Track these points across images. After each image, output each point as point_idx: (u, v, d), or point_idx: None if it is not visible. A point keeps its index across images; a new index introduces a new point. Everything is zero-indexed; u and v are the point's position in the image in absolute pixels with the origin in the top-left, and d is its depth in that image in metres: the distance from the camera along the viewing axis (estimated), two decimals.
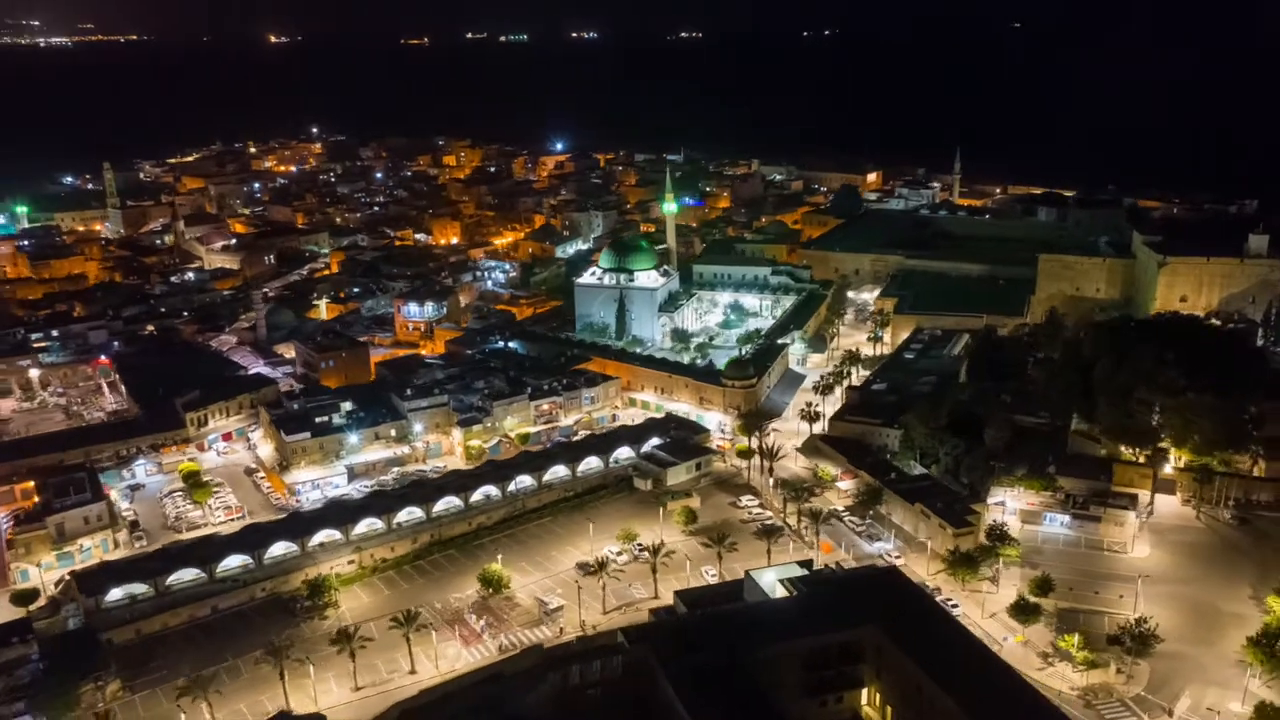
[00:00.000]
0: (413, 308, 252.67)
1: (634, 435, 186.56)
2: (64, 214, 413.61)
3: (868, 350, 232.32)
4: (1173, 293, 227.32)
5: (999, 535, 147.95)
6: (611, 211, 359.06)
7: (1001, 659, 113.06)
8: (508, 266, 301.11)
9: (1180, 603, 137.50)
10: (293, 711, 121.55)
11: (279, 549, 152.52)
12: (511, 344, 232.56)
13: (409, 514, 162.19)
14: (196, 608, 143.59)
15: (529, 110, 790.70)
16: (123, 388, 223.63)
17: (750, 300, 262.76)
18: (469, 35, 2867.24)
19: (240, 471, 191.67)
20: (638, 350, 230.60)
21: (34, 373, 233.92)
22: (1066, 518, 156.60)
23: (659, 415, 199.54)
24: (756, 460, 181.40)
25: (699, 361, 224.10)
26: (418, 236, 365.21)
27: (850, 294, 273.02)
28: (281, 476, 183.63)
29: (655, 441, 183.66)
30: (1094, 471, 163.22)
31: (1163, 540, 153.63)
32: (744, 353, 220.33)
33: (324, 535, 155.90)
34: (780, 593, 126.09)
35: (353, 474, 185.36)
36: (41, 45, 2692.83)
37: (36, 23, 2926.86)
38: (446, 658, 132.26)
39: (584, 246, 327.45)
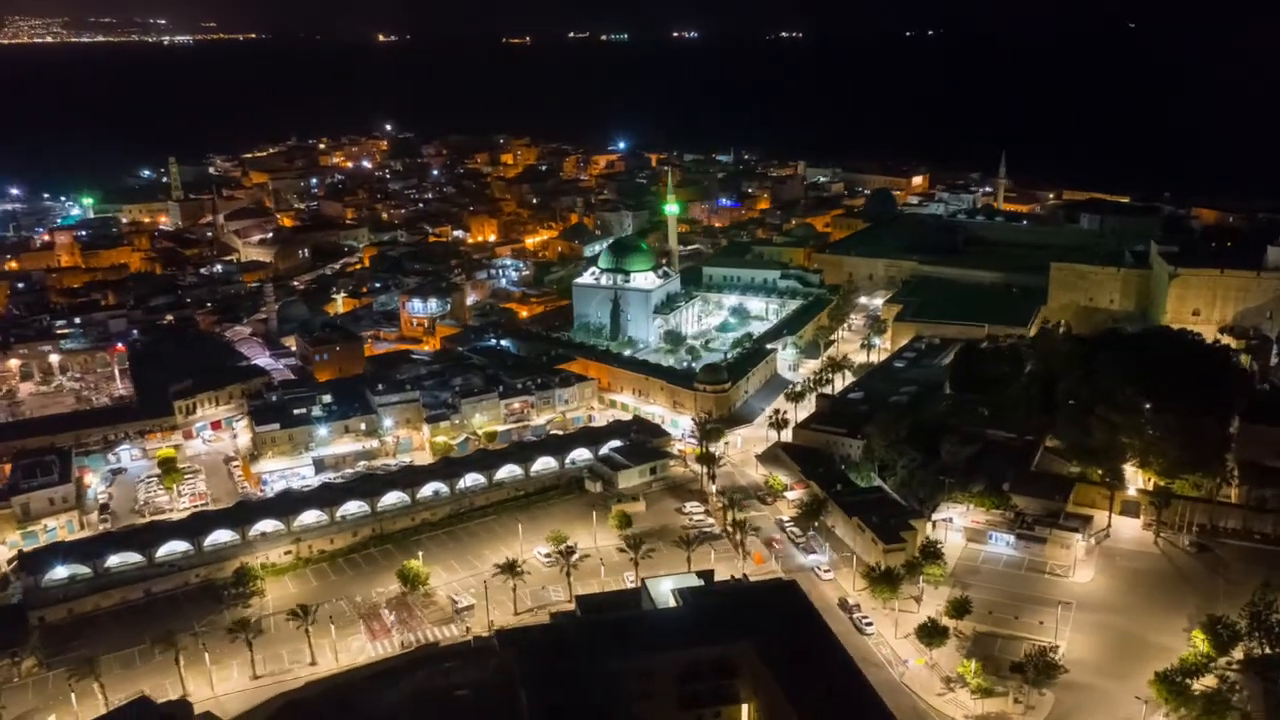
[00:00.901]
0: (417, 304, 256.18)
1: (594, 437, 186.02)
2: (132, 206, 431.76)
3: (861, 357, 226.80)
4: (1184, 305, 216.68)
5: (932, 553, 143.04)
6: (644, 211, 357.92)
7: (871, 686, 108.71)
8: (521, 265, 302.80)
9: (1108, 632, 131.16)
10: (187, 696, 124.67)
11: (221, 537, 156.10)
12: (503, 342, 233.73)
13: (356, 507, 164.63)
14: (129, 590, 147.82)
15: (610, 109, 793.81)
16: (129, 374, 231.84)
17: (756, 304, 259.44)
18: (571, 35, 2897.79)
19: (220, 460, 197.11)
20: (626, 352, 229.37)
21: (54, 358, 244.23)
22: (1011, 537, 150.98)
23: (626, 418, 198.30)
24: (720, 465, 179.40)
25: (687, 365, 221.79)
26: (456, 233, 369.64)
27: (863, 299, 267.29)
28: (250, 466, 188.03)
29: (615, 444, 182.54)
30: (1051, 490, 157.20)
31: (1111, 565, 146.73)
32: (728, 357, 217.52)
33: (267, 525, 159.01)
34: (672, 603, 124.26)
35: (322, 466, 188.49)
36: (166, 43, 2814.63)
37: (163, 21, 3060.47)
38: (350, 651, 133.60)
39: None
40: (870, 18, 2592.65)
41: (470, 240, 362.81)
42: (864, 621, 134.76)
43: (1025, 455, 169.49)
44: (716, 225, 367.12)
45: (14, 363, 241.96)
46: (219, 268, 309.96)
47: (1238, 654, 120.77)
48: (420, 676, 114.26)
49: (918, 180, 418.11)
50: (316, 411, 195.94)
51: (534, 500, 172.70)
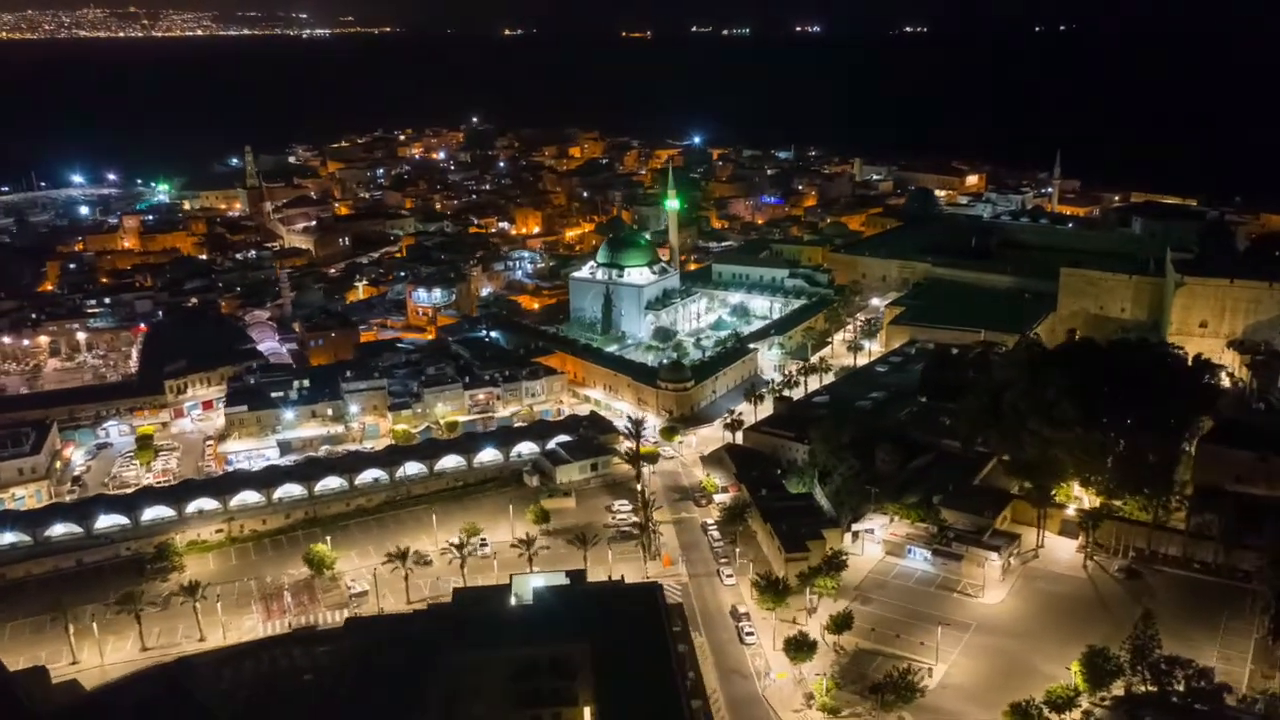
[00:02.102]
0: (421, 293, 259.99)
1: (543, 431, 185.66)
2: (209, 192, 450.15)
3: (849, 360, 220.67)
4: (1190, 317, 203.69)
5: (836, 564, 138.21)
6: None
7: (681, 697, 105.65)
8: (537, 257, 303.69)
9: (999, 657, 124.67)
10: (78, 662, 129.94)
11: (161, 512, 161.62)
12: (493, 334, 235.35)
13: (297, 490, 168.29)
14: (62, 559, 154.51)
15: (702, 104, 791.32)
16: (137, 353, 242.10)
17: (761, 302, 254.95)
18: (694, 29, 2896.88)
19: (201, 439, 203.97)
20: (612, 347, 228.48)
21: (81, 335, 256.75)
22: (928, 553, 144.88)
23: (582, 413, 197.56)
24: (655, 465, 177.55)
25: (669, 361, 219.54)
26: (502, 225, 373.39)
27: (875, 301, 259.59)
28: (218, 446, 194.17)
29: (563, 438, 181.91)
30: (982, 506, 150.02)
31: (1029, 587, 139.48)
32: (706, 355, 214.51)
33: (206, 503, 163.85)
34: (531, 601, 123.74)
35: (288, 448, 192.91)
36: (304, 36, 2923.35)
37: (304, 15, 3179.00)
38: (241, 629, 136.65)
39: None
40: (1002, 13, 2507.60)
41: (514, 232, 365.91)
42: (745, 631, 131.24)
43: (976, 468, 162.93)
44: (759, 222, 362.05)
45: (43, 339, 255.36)
46: (253, 253, 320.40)
47: (1118, 689, 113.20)
48: (267, 658, 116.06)
49: (972, 180, 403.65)
50: (292, 395, 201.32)
51: (471, 491, 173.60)
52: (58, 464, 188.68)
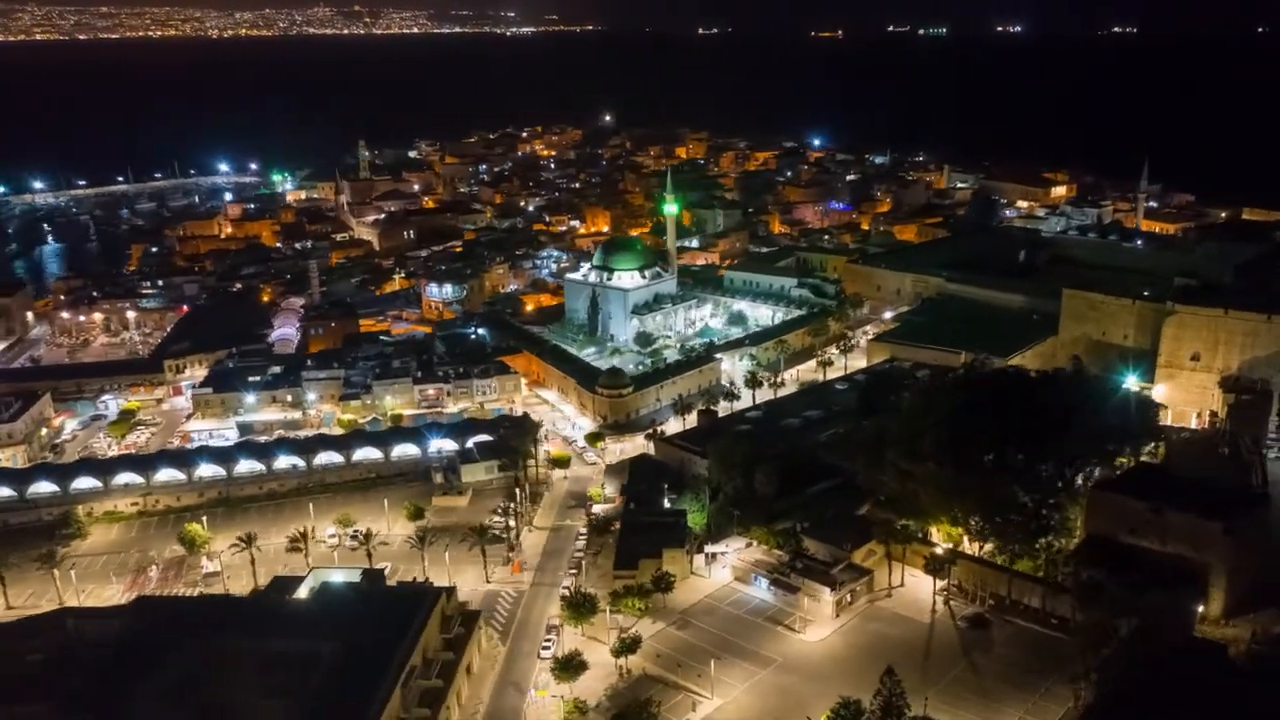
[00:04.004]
0: (433, 288, 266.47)
1: (465, 428, 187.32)
2: (325, 183, 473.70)
3: (817, 375, 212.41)
4: (1181, 348, 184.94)
5: (662, 585, 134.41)
6: (736, 211, 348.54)
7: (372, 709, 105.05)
8: (564, 255, 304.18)
9: (781, 698, 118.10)
10: None
11: (88, 483, 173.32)
12: (480, 330, 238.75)
13: (219, 471, 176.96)
14: None
15: (852, 106, 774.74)
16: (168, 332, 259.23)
17: (763, 311, 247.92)
18: (890, 29, 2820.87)
19: (183, 417, 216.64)
20: (589, 350, 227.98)
21: (130, 314, 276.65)
22: (767, 581, 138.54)
23: (542, 413, 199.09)
24: (567, 469, 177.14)
25: (645, 365, 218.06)
26: (573, 223, 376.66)
27: (889, 314, 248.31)
28: (184, 424, 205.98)
29: (483, 438, 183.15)
30: (844, 538, 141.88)
31: (862, 627, 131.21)
32: (666, 361, 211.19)
33: (129, 477, 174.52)
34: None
35: (247, 430, 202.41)
36: (509, 35, 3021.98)
37: (512, 14, 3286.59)
38: (100, 598, 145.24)
39: (691, 243, 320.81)
40: (1222, 13, 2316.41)
41: (583, 230, 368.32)
42: (543, 645, 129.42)
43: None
44: (824, 227, 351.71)
45: (98, 316, 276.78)
46: (309, 243, 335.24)
47: None
48: (67, 626, 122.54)
49: (1060, 191, 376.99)
50: (265, 380, 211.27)
51: (381, 484, 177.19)
52: (44, 432, 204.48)
